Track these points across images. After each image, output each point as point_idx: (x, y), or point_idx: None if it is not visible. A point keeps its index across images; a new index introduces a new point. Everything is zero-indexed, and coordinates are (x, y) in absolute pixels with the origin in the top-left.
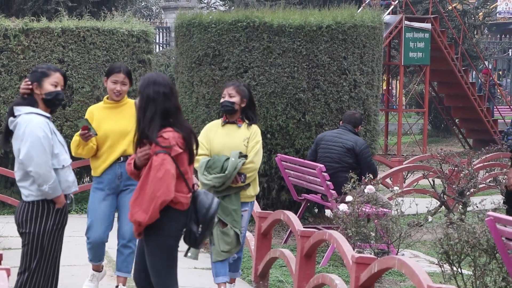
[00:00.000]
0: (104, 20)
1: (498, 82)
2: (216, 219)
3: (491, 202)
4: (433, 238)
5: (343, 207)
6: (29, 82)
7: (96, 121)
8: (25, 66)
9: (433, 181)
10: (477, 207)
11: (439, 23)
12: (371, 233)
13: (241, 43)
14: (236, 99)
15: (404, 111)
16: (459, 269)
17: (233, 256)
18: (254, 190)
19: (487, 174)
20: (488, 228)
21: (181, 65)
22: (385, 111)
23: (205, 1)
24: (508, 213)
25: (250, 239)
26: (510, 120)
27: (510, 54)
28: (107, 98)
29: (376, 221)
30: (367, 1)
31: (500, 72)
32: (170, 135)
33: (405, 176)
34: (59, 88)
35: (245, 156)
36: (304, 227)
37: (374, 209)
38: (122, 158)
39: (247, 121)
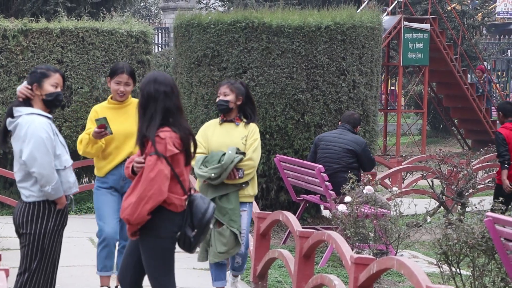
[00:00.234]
0: (103, 21)
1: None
2: (213, 221)
3: (489, 202)
4: (432, 238)
5: (342, 207)
6: (29, 87)
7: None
8: (24, 67)
9: (432, 182)
10: (476, 207)
11: (438, 23)
12: (370, 233)
13: (240, 43)
14: (230, 97)
15: (403, 111)
16: (458, 270)
17: (238, 262)
18: (253, 189)
19: (486, 174)
20: (487, 229)
21: (180, 65)
22: (384, 112)
23: (204, 2)
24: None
25: (249, 239)
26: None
27: (509, 55)
28: (111, 98)
29: (375, 221)
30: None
31: (499, 73)
32: (167, 134)
33: (404, 176)
34: (59, 89)
35: (243, 154)
36: (303, 228)
37: (373, 210)
38: (128, 159)
39: (245, 120)
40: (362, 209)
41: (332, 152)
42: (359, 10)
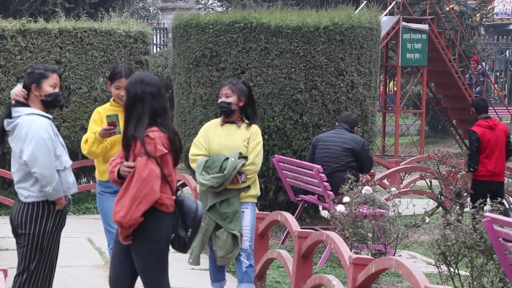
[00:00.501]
0: (101, 21)
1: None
2: (213, 225)
3: (487, 203)
4: (430, 239)
5: (340, 208)
6: (25, 90)
7: (104, 124)
8: (22, 67)
9: (430, 182)
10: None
11: (437, 24)
12: (369, 234)
13: (238, 44)
14: (232, 99)
15: (401, 112)
16: (456, 270)
17: (245, 263)
18: (255, 190)
19: None
20: (485, 229)
21: (178, 66)
22: (383, 112)
23: (202, 2)
24: (472, 200)
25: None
26: (508, 121)
27: (507, 55)
28: (114, 101)
29: (373, 222)
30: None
31: (498, 73)
32: (156, 134)
33: (402, 177)
34: (57, 89)
35: (245, 158)
36: (301, 228)
37: (371, 210)
38: (109, 164)
39: (247, 121)
40: (361, 210)
41: (331, 151)
42: (357, 10)
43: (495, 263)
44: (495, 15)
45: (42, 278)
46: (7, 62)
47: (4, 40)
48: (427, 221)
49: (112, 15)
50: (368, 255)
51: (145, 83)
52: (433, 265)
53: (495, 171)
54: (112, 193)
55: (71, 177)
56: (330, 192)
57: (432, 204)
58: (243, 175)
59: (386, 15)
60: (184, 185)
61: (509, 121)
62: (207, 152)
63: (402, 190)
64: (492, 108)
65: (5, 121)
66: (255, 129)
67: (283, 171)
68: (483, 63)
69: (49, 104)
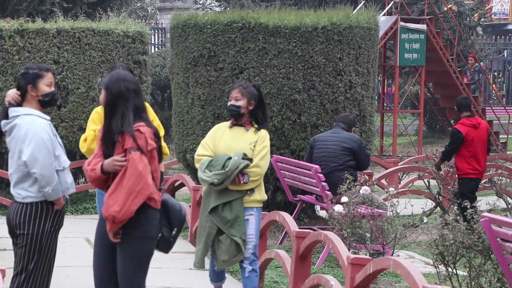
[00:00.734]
0: (99, 21)
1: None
2: (216, 228)
3: (486, 203)
4: (428, 239)
5: (338, 208)
6: (19, 92)
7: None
8: (20, 67)
9: (429, 182)
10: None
11: (435, 24)
12: (367, 234)
13: (236, 44)
14: (241, 102)
15: (399, 112)
16: (454, 270)
17: (248, 268)
18: (260, 195)
19: None
20: (483, 229)
21: (176, 66)
22: (381, 112)
23: (200, 2)
24: (462, 198)
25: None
26: (506, 121)
27: (505, 55)
28: None
29: (371, 222)
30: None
31: (496, 73)
32: (145, 129)
33: (400, 177)
34: (53, 88)
35: (250, 160)
36: (299, 228)
37: (369, 210)
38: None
39: (256, 125)
40: (359, 210)
41: (329, 150)
42: (355, 10)
43: (493, 263)
44: (493, 15)
45: (40, 278)
46: (5, 62)
47: (2, 40)
48: (425, 221)
49: (110, 15)
50: (366, 255)
51: (127, 81)
52: (431, 265)
53: (482, 169)
54: None
55: (69, 177)
56: (328, 192)
57: (430, 204)
58: (245, 176)
59: (384, 15)
60: (182, 185)
61: (507, 121)
62: (213, 154)
63: (400, 190)
64: (490, 108)
65: (2, 122)
66: (263, 133)
67: (281, 171)
68: (481, 63)
69: (47, 104)
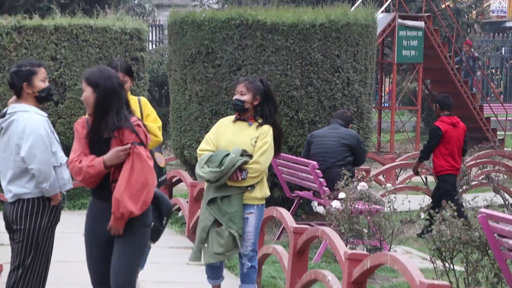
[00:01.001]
0: (97, 18)
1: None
2: (212, 219)
3: (483, 199)
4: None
5: (336, 204)
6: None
7: None
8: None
9: (426, 178)
10: (469, 204)
11: (432, 21)
12: (364, 229)
13: (234, 41)
14: (246, 97)
15: (397, 108)
16: (451, 265)
17: (247, 264)
18: (261, 192)
19: (479, 171)
20: (480, 225)
21: (174, 62)
22: (378, 109)
23: None
24: (444, 194)
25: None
26: (503, 118)
27: (503, 53)
28: None
29: (369, 217)
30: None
31: (493, 71)
32: (140, 123)
33: (397, 173)
34: (47, 83)
35: (250, 156)
36: (297, 224)
37: (367, 206)
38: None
39: (259, 120)
40: (356, 206)
41: (328, 146)
42: (353, 8)
43: (490, 258)
44: (491, 12)
45: (37, 274)
46: (2, 59)
47: (0, 37)
48: (422, 217)
49: (108, 12)
50: (363, 250)
51: (116, 77)
52: (428, 260)
53: (458, 166)
54: None
55: (66, 173)
56: (326, 188)
57: (427, 200)
58: (244, 172)
59: (382, 12)
60: (179, 181)
61: (505, 118)
62: (215, 148)
63: (397, 186)
64: (488, 105)
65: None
66: (266, 129)
67: (279, 167)
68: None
69: (44, 99)
